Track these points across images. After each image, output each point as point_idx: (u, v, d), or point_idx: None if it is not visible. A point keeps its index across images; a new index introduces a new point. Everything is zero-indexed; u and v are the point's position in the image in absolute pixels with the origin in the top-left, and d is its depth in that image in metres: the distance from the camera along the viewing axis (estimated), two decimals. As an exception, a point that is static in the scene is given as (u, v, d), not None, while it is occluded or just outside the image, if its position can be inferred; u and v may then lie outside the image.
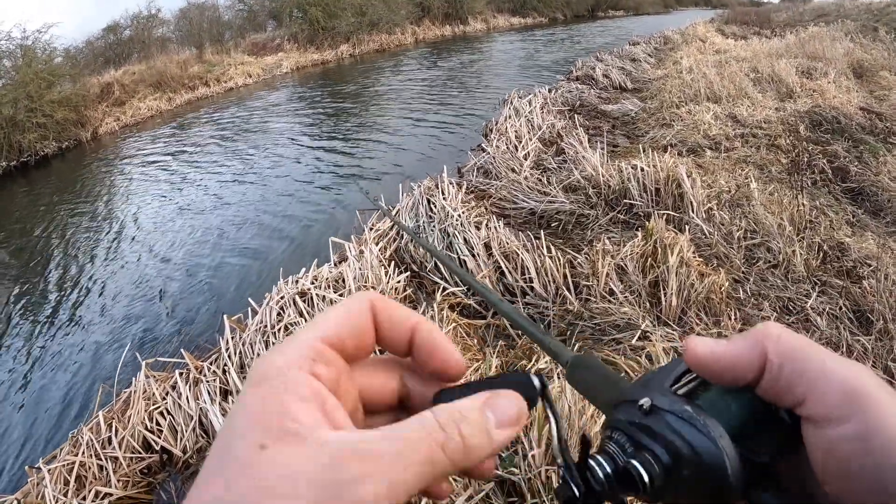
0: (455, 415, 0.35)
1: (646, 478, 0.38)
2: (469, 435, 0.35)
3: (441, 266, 4.55)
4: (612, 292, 3.90)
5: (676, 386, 0.42)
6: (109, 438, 3.48)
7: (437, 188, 5.86)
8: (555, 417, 0.44)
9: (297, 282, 4.38)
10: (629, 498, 0.41)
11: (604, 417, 0.46)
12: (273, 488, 0.28)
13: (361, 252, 4.64)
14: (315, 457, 0.30)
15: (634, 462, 0.39)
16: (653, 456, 0.39)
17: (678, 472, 0.38)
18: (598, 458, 0.41)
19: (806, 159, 6.12)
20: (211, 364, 3.92)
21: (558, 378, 2.90)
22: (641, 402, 0.41)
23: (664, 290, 3.79)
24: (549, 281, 4.15)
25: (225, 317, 4.24)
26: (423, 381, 0.44)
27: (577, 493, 0.41)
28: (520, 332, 3.72)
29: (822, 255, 4.32)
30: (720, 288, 3.81)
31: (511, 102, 10.09)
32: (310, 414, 0.32)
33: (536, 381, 0.42)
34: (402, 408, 0.44)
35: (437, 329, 0.43)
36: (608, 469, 0.40)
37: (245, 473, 0.29)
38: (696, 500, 0.39)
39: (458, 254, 4.56)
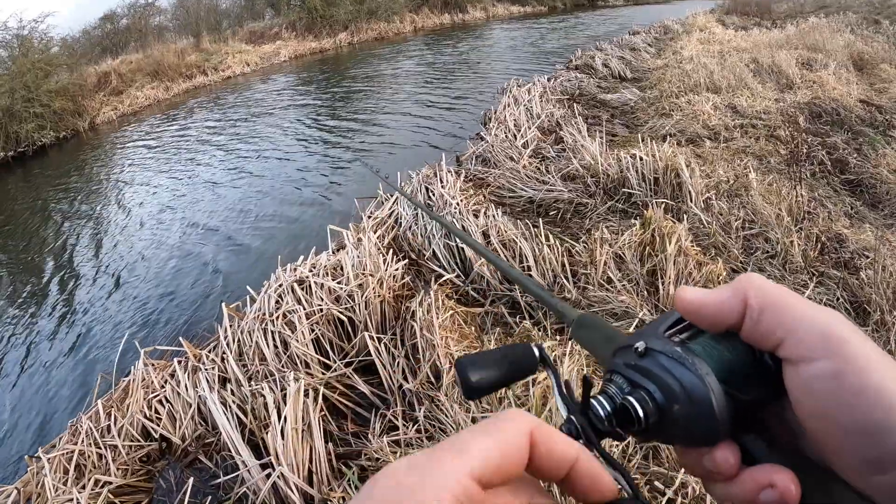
0: None
1: (641, 413, 0.42)
2: None
3: (439, 256, 4.56)
4: (610, 280, 3.90)
5: (670, 332, 0.45)
6: (108, 427, 3.48)
7: (436, 176, 5.85)
8: (553, 373, 0.50)
9: (295, 269, 4.38)
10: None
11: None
12: None
13: (360, 240, 4.63)
14: None
15: (631, 399, 0.42)
16: (647, 393, 0.42)
17: (670, 408, 0.41)
18: (599, 398, 0.45)
19: (805, 151, 6.11)
20: (209, 352, 3.93)
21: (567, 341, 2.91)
22: (637, 345, 0.44)
23: (662, 278, 3.79)
24: (547, 269, 4.15)
25: (223, 305, 4.24)
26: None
27: (579, 430, 0.44)
28: (518, 319, 3.75)
29: (820, 246, 4.32)
30: (718, 277, 3.81)
31: (510, 91, 10.06)
32: None
33: (536, 350, 0.48)
34: None
35: (595, 461, 0.40)
36: (608, 407, 0.44)
37: None
38: (688, 435, 0.41)
39: (456, 242, 4.55)
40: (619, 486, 0.42)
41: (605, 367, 0.48)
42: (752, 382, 0.41)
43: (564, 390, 0.50)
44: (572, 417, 0.45)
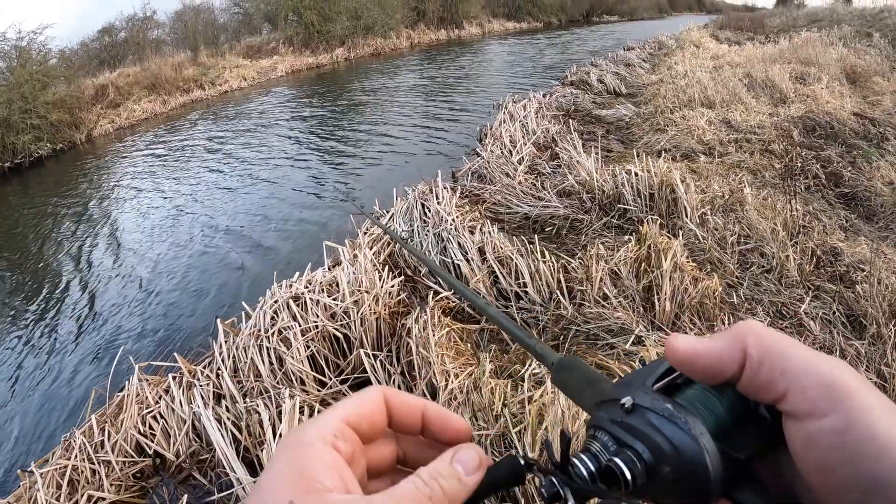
0: (433, 472, 0.43)
1: (628, 475, 0.39)
2: (447, 486, 0.42)
3: (432, 273, 4.56)
4: (605, 297, 3.90)
5: (658, 384, 0.43)
6: (102, 442, 3.45)
7: (432, 192, 5.85)
8: (540, 471, 0.45)
9: (290, 286, 4.37)
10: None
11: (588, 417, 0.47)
12: None
13: (355, 256, 4.63)
14: None
15: (617, 460, 0.40)
16: (635, 454, 0.40)
17: (660, 469, 0.39)
18: (582, 456, 0.42)
19: (799, 164, 6.14)
20: (204, 368, 3.91)
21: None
22: (623, 400, 0.42)
23: (658, 294, 3.80)
24: (542, 285, 4.15)
25: (218, 320, 4.23)
26: (415, 445, 0.51)
27: (561, 492, 0.42)
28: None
29: (815, 259, 4.34)
30: (714, 293, 3.81)
31: (506, 107, 10.11)
32: (330, 479, 0.39)
33: (521, 461, 0.46)
34: (398, 470, 0.51)
35: (442, 407, 0.51)
36: (591, 467, 0.41)
37: None
38: (678, 497, 0.39)
39: (452, 258, 4.56)
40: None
41: (589, 420, 0.45)
42: (748, 437, 0.40)
43: (549, 448, 0.49)
44: (551, 478, 0.43)
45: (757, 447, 0.40)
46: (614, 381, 0.48)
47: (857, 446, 0.34)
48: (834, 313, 3.77)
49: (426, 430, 0.50)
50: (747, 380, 0.40)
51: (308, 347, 3.75)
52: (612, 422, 0.42)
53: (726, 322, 3.69)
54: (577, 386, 0.51)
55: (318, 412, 0.58)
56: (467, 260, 4.50)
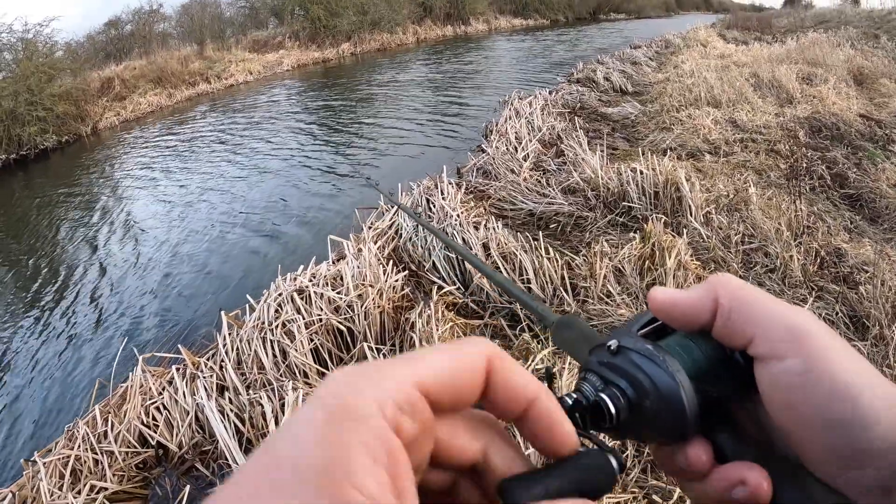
0: None
1: (612, 409, 0.42)
2: None
3: (438, 267, 4.57)
4: (609, 294, 3.90)
5: (643, 331, 0.46)
6: (105, 433, 3.47)
7: (437, 188, 5.86)
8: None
9: (295, 279, 4.38)
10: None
11: None
12: None
13: (360, 250, 4.64)
14: None
15: (603, 395, 0.42)
16: (618, 390, 0.42)
17: (640, 404, 0.41)
18: (573, 395, 0.44)
19: (805, 165, 6.12)
20: (208, 360, 3.92)
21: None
22: (609, 343, 0.44)
23: (661, 292, 3.79)
24: (546, 282, 4.15)
25: (222, 312, 4.24)
26: (510, 458, 0.36)
27: None
28: (517, 331, 3.75)
29: (819, 260, 4.32)
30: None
31: (511, 103, 10.09)
32: (377, 482, 0.26)
33: (615, 463, 0.38)
34: (471, 472, 0.37)
35: (556, 404, 0.37)
36: (582, 403, 0.43)
37: None
38: (659, 431, 0.42)
39: (456, 253, 4.56)
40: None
41: (580, 366, 0.48)
42: (723, 379, 0.42)
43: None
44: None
45: (731, 388, 0.42)
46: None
47: (816, 385, 0.36)
48: (837, 314, 3.76)
49: (527, 423, 0.36)
50: (719, 326, 0.42)
51: (312, 340, 3.76)
52: (599, 363, 0.45)
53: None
54: (575, 341, 0.55)
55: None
56: (471, 255, 4.50)
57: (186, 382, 3.67)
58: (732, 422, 0.43)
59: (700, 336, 0.44)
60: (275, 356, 3.70)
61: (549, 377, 0.46)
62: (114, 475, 3.24)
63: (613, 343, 0.44)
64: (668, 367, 0.41)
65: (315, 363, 3.67)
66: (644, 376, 0.41)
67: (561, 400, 0.42)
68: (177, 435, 3.43)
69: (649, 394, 0.41)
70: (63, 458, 3.32)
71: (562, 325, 0.57)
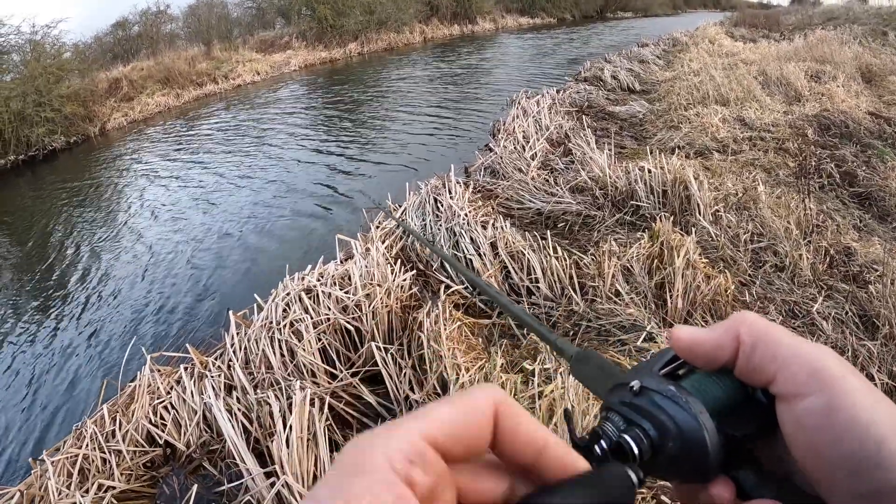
0: None
1: (636, 450, 0.42)
2: None
3: (448, 267, 4.57)
4: (618, 293, 3.89)
5: (664, 370, 0.46)
6: (113, 432, 3.48)
7: (444, 187, 5.86)
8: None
9: (303, 278, 4.39)
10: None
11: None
12: None
13: (368, 250, 4.64)
14: None
15: (626, 436, 0.42)
16: (642, 431, 0.42)
17: (664, 445, 0.42)
18: (598, 431, 0.44)
19: (813, 163, 6.09)
20: (216, 359, 3.93)
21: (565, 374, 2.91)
22: (632, 383, 0.45)
23: (670, 291, 3.78)
24: (554, 281, 4.14)
25: (230, 312, 4.24)
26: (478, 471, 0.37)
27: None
28: (525, 331, 3.74)
29: (828, 259, 4.31)
30: (726, 290, 3.80)
31: (519, 102, 10.10)
32: None
33: (633, 476, 0.39)
34: None
35: (567, 448, 0.38)
36: (604, 444, 0.43)
37: None
38: (682, 471, 0.43)
39: (464, 253, 4.56)
40: None
41: (602, 403, 0.48)
42: (745, 418, 0.43)
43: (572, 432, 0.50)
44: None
45: (754, 427, 0.43)
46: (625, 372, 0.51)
47: (841, 426, 0.36)
48: (846, 313, 3.75)
49: (536, 471, 0.36)
50: (742, 365, 0.42)
51: (319, 340, 3.76)
52: (621, 403, 0.45)
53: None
54: (594, 376, 0.55)
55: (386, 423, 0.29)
56: (479, 254, 4.50)
57: (194, 382, 3.67)
58: (754, 459, 0.43)
59: (722, 374, 0.44)
60: (283, 355, 3.70)
61: (567, 418, 0.47)
62: (121, 474, 3.25)
63: (636, 384, 0.45)
64: (692, 409, 0.41)
65: (323, 362, 3.67)
66: (667, 418, 0.42)
67: (582, 440, 0.44)
68: (185, 434, 3.43)
69: (673, 435, 0.41)
70: (71, 456, 3.34)
71: (580, 358, 0.59)
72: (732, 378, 0.44)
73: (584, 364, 0.58)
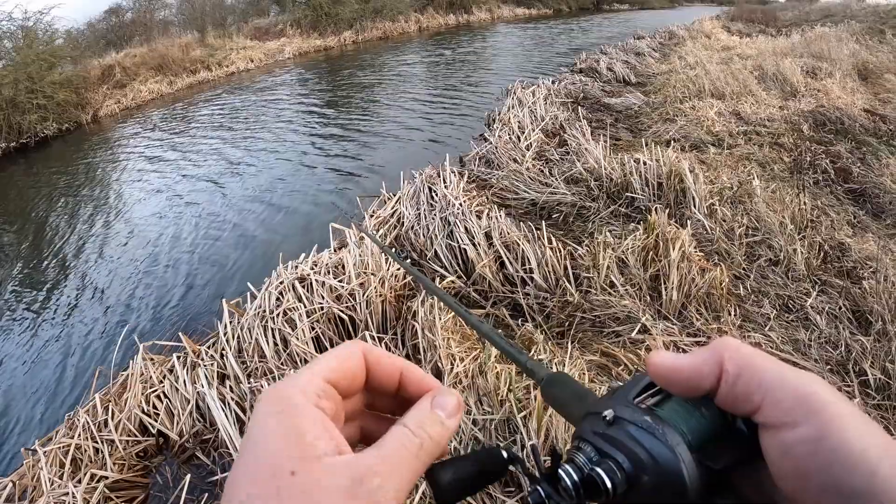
0: (418, 421, 0.44)
1: (609, 484, 0.41)
2: (433, 433, 0.43)
3: (441, 256, 4.56)
4: (612, 285, 3.89)
5: (640, 398, 0.45)
6: (106, 421, 3.47)
7: (439, 176, 5.84)
8: (521, 464, 0.49)
9: (296, 267, 4.37)
10: None
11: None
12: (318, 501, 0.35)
13: (362, 238, 4.62)
14: (341, 476, 0.37)
15: (598, 469, 0.42)
16: (615, 464, 0.41)
17: (639, 478, 0.41)
18: (566, 467, 0.44)
19: (809, 159, 6.11)
20: (209, 348, 3.92)
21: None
22: (605, 413, 0.44)
23: (665, 284, 3.79)
24: (549, 272, 4.14)
25: (223, 301, 4.23)
26: (420, 377, 0.51)
27: (544, 499, 0.44)
28: (519, 322, 3.74)
29: (822, 254, 4.32)
30: (721, 284, 3.80)
31: (514, 93, 10.07)
32: (324, 442, 0.38)
33: (505, 454, 0.48)
34: (364, 413, 0.52)
35: (419, 370, 0.51)
36: (575, 477, 0.43)
37: (285, 495, 0.35)
38: None
39: (458, 242, 4.55)
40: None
41: (574, 432, 0.47)
42: (725, 449, 0.41)
43: (532, 458, 0.50)
44: (538, 487, 0.45)
45: (734, 458, 0.41)
46: (600, 395, 0.50)
47: (831, 454, 0.35)
48: (840, 308, 3.77)
49: (401, 390, 0.50)
50: (724, 393, 0.41)
51: (313, 329, 3.75)
52: (594, 433, 0.44)
53: (733, 313, 3.69)
54: (565, 400, 0.54)
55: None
56: (474, 244, 4.49)
57: (187, 370, 3.66)
58: (734, 490, 0.42)
59: (702, 402, 0.43)
60: (276, 344, 3.69)
61: (555, 456, 0.46)
62: (114, 464, 3.24)
63: (609, 413, 0.44)
64: (668, 441, 0.40)
65: (316, 351, 3.66)
66: (642, 450, 0.41)
67: (561, 477, 0.44)
68: (177, 423, 3.42)
69: (648, 469, 0.40)
70: (63, 446, 3.32)
71: (551, 381, 0.57)
72: (712, 406, 0.42)
73: (556, 388, 0.56)
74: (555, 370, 0.60)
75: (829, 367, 3.28)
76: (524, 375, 3.00)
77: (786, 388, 0.38)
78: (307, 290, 4.05)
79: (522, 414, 2.72)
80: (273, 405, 0.40)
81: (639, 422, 0.41)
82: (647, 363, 0.45)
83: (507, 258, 4.31)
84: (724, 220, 4.70)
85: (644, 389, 0.45)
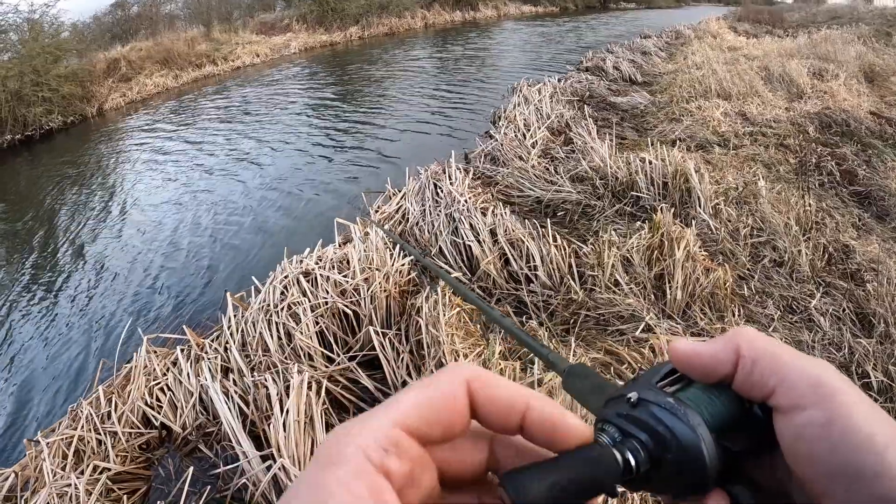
0: None
1: (633, 462, 0.41)
2: None
3: (445, 252, 4.57)
4: (617, 283, 3.89)
5: (662, 383, 0.46)
6: (109, 413, 3.47)
7: (445, 173, 5.84)
8: None
9: (301, 261, 4.38)
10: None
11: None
12: None
13: (367, 234, 4.62)
14: None
15: (623, 447, 0.42)
16: (639, 442, 0.42)
17: (661, 457, 0.41)
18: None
19: (814, 160, 6.10)
20: (213, 341, 3.92)
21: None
22: (629, 395, 0.44)
23: (669, 283, 3.79)
24: (553, 270, 4.14)
25: (228, 294, 4.23)
26: (518, 451, 0.41)
27: None
28: (524, 319, 3.74)
29: (827, 256, 4.32)
30: (725, 284, 3.80)
31: (520, 90, 10.06)
32: None
33: (620, 459, 0.41)
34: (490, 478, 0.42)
35: (551, 403, 0.40)
36: None
37: None
38: (679, 484, 0.42)
39: (463, 239, 4.55)
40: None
41: (597, 416, 0.48)
42: (742, 433, 0.43)
43: None
44: None
45: (750, 443, 0.43)
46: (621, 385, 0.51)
47: (841, 438, 0.36)
48: (844, 310, 3.77)
49: (527, 432, 0.39)
50: (741, 379, 0.43)
51: (317, 323, 3.75)
52: (618, 415, 0.44)
53: (736, 313, 3.69)
54: (587, 390, 0.54)
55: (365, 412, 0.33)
56: (479, 241, 4.49)
57: (191, 364, 3.66)
58: (750, 473, 0.44)
59: (720, 388, 0.44)
60: (280, 339, 3.69)
61: None
62: (117, 456, 3.24)
63: (633, 395, 0.44)
64: (690, 421, 0.41)
65: (320, 346, 3.66)
66: (665, 430, 0.42)
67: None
68: (181, 416, 3.43)
69: (670, 448, 0.41)
70: (66, 438, 3.33)
71: (572, 373, 0.58)
72: (730, 392, 0.44)
73: (577, 378, 0.57)
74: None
75: (832, 368, 3.28)
76: (527, 372, 3.01)
77: (799, 373, 0.39)
78: (312, 285, 4.05)
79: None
80: (321, 454, 0.32)
81: (662, 403, 0.42)
82: (670, 349, 0.46)
83: (512, 255, 4.31)
84: (729, 221, 4.70)
85: (666, 375, 0.46)
